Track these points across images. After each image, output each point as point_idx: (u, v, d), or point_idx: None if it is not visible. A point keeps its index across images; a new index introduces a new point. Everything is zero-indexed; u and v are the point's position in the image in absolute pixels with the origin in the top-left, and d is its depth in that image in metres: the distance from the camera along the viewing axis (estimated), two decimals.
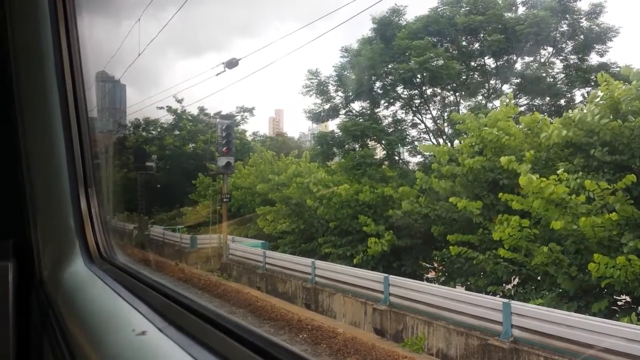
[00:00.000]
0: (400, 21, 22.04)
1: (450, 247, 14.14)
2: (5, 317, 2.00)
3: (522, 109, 21.03)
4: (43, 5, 2.03)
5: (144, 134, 39.15)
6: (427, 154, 21.01)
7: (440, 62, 20.15)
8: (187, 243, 25.14)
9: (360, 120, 21.96)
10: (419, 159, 23.25)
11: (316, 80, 23.38)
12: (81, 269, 2.11)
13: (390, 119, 23.25)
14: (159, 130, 38.89)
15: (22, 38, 2.08)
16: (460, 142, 16.56)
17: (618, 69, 17.84)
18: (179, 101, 36.82)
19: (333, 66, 24.02)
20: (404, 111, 23.53)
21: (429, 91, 22.74)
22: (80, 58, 2.21)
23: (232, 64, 22.24)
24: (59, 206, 2.19)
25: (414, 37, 20.47)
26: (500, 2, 21.21)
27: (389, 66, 21.28)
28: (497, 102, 21.38)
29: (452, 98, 23.19)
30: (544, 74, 21.31)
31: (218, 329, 1.14)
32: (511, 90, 21.65)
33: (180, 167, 34.48)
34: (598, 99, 13.04)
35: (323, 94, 23.47)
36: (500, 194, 12.98)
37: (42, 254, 2.16)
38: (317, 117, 24.01)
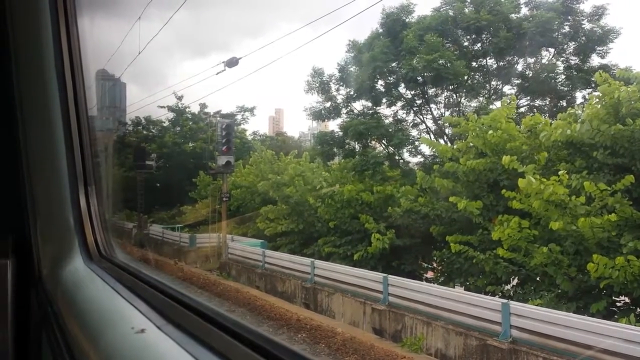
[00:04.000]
0: (407, 19, 22.05)
1: (451, 244, 14.14)
2: (4, 314, 2.01)
3: (522, 109, 21.06)
4: (43, 4, 2.03)
5: (144, 132, 39.15)
6: (428, 152, 21.04)
7: (443, 61, 20.18)
8: (187, 242, 25.14)
9: (362, 119, 21.94)
10: (419, 159, 23.29)
11: (319, 78, 23.38)
12: (80, 266, 2.12)
13: (391, 119, 23.31)
14: (158, 128, 38.88)
15: (22, 36, 2.08)
16: (461, 143, 16.54)
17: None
18: (179, 98, 36.86)
19: (338, 63, 23.93)
20: (405, 111, 23.57)
21: (430, 91, 22.74)
22: (81, 56, 2.21)
23: (232, 62, 22.20)
24: (58, 204, 2.19)
25: (422, 36, 20.47)
26: (504, 1, 21.20)
27: (393, 64, 21.29)
28: (498, 104, 21.44)
29: (453, 98, 23.18)
30: (545, 75, 21.30)
31: (217, 327, 1.14)
32: (513, 91, 21.67)
33: (179, 166, 34.48)
34: (597, 101, 13.02)
35: (325, 92, 23.46)
36: (503, 190, 13.00)
37: (41, 251, 2.17)
38: (319, 115, 23.99)
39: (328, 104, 23.59)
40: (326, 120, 24.76)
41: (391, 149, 22.56)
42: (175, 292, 1.49)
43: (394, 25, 21.49)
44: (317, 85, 23.41)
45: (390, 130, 21.98)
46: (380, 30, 22.11)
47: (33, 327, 2.09)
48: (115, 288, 1.73)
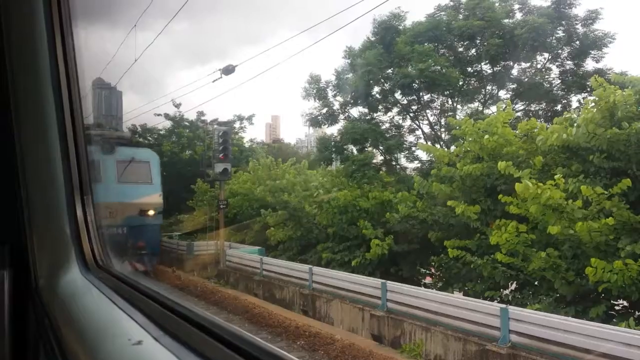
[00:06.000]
0: (400, 26, 22.17)
1: (449, 250, 14.14)
2: (1, 325, 1.99)
3: (518, 114, 21.13)
4: (38, 13, 2.03)
5: (140, 140, 39.06)
6: (425, 158, 21.11)
7: (438, 68, 20.29)
8: (184, 250, 25.08)
9: (357, 124, 21.97)
10: (416, 164, 23.34)
11: (316, 85, 23.43)
12: (77, 277, 2.11)
13: (388, 125, 23.37)
14: (155, 136, 38.83)
15: (17, 46, 2.07)
16: (457, 147, 16.58)
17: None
18: (177, 106, 36.85)
19: (335, 69, 23.99)
20: (401, 117, 23.66)
21: (426, 97, 22.84)
22: (76, 66, 2.21)
23: (228, 70, 22.20)
24: (55, 214, 2.18)
25: (413, 43, 20.58)
26: (497, 3, 21.34)
27: (388, 71, 21.37)
28: (493, 108, 21.54)
29: (449, 104, 23.28)
30: (540, 80, 21.40)
31: (214, 339, 1.14)
32: (508, 96, 21.77)
33: (176, 174, 34.40)
34: (593, 105, 13.08)
35: (322, 98, 23.51)
36: (500, 196, 13.01)
37: (38, 261, 2.15)
38: (316, 122, 24.03)
39: (325, 110, 23.64)
40: (323, 126, 24.80)
41: (388, 155, 22.61)
42: (172, 302, 1.48)
43: (387, 33, 21.60)
44: (314, 91, 23.45)
45: (386, 135, 22.05)
46: (373, 39, 22.22)
47: (30, 338, 2.08)
48: (112, 299, 1.72)
